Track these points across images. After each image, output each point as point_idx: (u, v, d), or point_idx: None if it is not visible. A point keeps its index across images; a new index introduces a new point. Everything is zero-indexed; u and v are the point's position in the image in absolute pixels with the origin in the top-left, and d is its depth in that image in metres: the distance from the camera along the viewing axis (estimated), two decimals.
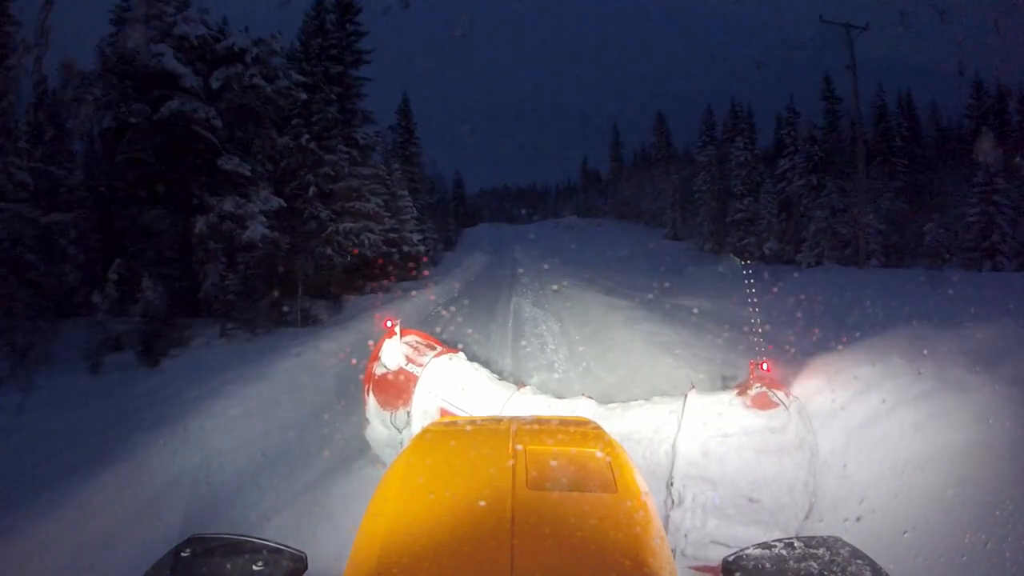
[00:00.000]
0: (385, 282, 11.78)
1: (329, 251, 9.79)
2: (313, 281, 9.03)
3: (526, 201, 57.53)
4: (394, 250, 13.20)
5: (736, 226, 20.75)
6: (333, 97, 10.44)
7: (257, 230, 6.80)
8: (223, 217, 6.70)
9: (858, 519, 1.96)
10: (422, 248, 15.02)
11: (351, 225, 10.43)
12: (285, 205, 7.47)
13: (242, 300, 6.89)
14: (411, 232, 14.68)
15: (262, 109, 7.67)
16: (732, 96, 26.97)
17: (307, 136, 10.02)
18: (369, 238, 10.66)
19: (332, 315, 8.10)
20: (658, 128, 34.13)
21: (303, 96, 8.41)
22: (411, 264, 14.12)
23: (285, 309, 7.24)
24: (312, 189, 9.97)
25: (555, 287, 10.66)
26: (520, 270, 15.62)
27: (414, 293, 9.54)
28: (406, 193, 15.40)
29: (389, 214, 13.48)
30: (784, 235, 18.53)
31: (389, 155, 15.81)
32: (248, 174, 6.84)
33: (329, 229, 10.01)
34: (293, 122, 10.19)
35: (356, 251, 11.33)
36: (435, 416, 2.57)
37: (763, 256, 18.37)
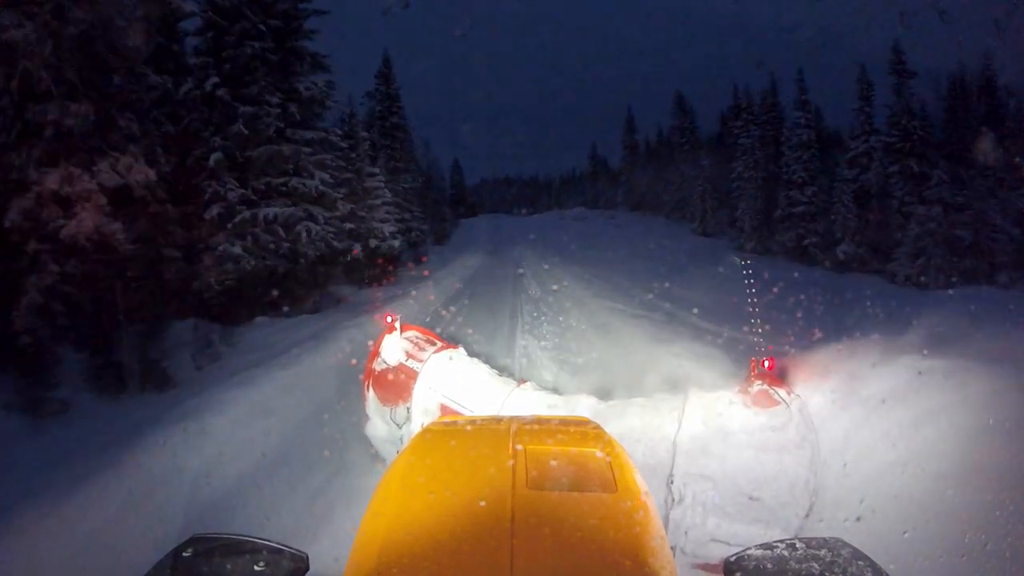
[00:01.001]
0: (335, 291, 9.95)
1: (237, 249, 7.96)
2: (209, 298, 7.24)
3: (528, 192, 67.58)
4: (356, 246, 11.30)
5: (792, 221, 19.16)
6: (262, 27, 8.81)
7: (87, 219, 5.24)
8: (44, 199, 5.24)
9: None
10: (397, 243, 13.29)
11: (279, 210, 8.61)
12: (154, 179, 5.87)
13: (35, 347, 4.91)
14: (381, 222, 12.86)
15: (116, 29, 5.82)
16: (740, 83, 26.75)
17: (215, 80, 8.24)
18: (310, 230, 8.93)
19: (208, 364, 5.87)
20: (678, 111, 33.79)
21: (188, 6, 7.00)
22: (382, 265, 12.23)
23: (119, 358, 5.32)
24: (216, 156, 8.04)
25: (559, 287, 10.57)
26: (520, 270, 14.70)
27: (389, 302, 7.99)
28: (377, 171, 13.63)
29: (344, 196, 11.27)
30: (859, 235, 16.70)
31: (355, 121, 13.88)
32: (72, 127, 5.28)
33: (239, 216, 8.13)
34: (198, 60, 8.53)
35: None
36: (435, 412, 3.20)
37: (837, 260, 16.59)
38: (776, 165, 21.80)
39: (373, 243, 12.42)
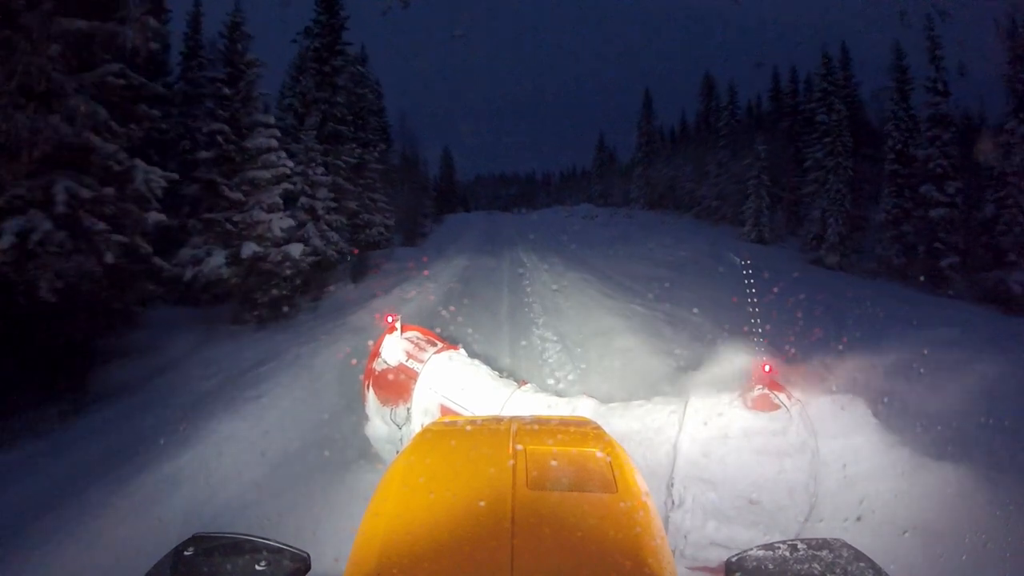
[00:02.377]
0: (124, 364, 6.47)
1: None
2: None
3: (526, 189, 76.83)
4: (217, 260, 8.28)
5: (908, 230, 15.47)
6: None
7: None
8: None
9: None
10: (297, 250, 9.31)
11: None
12: None
13: None
14: (271, 213, 9.04)
15: None
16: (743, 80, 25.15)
17: None
18: (26, 229, 5.24)
19: None
20: (705, 96, 33.16)
21: None
22: (286, 292, 8.96)
23: None
24: None
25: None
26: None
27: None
28: (271, 122, 9.61)
29: (212, 159, 8.59)
30: None
31: (239, 35, 10.36)
32: None
33: None
34: None
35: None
36: (435, 413, 3.76)
37: (1008, 297, 13.13)
38: (859, 155, 18.45)
39: (249, 250, 8.67)
